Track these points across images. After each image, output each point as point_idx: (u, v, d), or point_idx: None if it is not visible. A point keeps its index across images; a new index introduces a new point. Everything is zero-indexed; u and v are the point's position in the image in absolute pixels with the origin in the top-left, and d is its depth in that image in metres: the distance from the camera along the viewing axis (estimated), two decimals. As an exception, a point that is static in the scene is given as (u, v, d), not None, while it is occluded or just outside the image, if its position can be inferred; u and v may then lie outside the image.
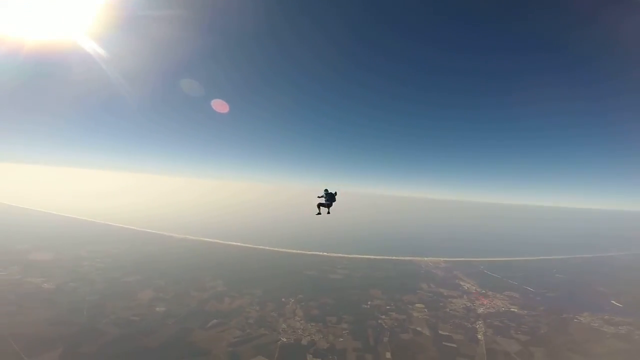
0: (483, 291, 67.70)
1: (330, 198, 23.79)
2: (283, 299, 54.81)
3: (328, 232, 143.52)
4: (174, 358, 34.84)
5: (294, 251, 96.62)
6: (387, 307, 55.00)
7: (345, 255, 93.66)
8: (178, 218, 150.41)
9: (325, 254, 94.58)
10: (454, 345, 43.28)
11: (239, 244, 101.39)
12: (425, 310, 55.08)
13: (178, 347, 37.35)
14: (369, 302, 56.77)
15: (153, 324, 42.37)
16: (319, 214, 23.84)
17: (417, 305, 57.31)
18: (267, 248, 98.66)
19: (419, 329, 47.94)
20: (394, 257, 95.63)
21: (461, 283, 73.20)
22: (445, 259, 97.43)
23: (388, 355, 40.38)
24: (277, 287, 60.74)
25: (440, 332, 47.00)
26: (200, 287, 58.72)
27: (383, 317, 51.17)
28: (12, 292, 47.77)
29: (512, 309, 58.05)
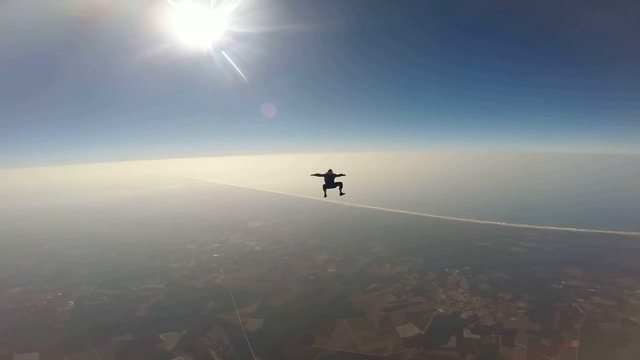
0: None
1: (329, 179, 21.93)
2: (446, 269, 52.02)
3: (507, 199, 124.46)
4: (335, 315, 39.37)
5: (463, 219, 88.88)
6: (590, 290, 42.91)
7: (533, 226, 78.63)
8: (348, 188, 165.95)
9: (504, 223, 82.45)
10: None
11: (403, 211, 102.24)
12: (652, 297, 40.26)
13: (339, 306, 42.08)
14: (562, 282, 45.91)
15: (324, 283, 49.28)
16: (325, 196, 22.86)
17: (638, 291, 42.71)
18: (432, 216, 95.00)
19: (632, 318, 35.75)
20: (602, 231, 73.21)
21: None
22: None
23: (574, 343, 32.23)
24: (441, 257, 58.15)
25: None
26: (364, 252, 63.19)
27: (580, 300, 40.45)
28: (237, 253, 65.87)
29: None
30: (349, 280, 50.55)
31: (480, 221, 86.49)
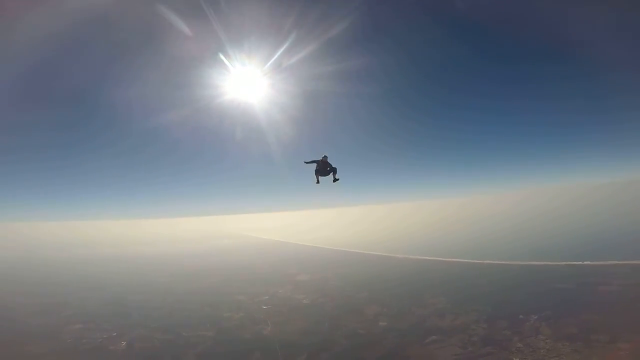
0: None
1: (324, 165, 19.81)
2: (521, 316, 45.02)
3: (583, 236, 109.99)
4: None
5: (536, 263, 78.76)
6: None
7: (622, 262, 67.75)
8: (398, 239, 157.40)
9: (587, 262, 71.95)
10: None
11: (463, 260, 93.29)
12: None
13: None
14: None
15: (375, 337, 45.06)
16: (318, 182, 20.48)
17: None
18: (496, 262, 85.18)
19: None
20: None
21: None
22: None
23: None
24: (513, 303, 51.26)
25: None
26: (420, 303, 57.67)
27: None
28: (285, 305, 63.83)
29: None
30: (404, 333, 45.74)
31: (556, 263, 75.58)
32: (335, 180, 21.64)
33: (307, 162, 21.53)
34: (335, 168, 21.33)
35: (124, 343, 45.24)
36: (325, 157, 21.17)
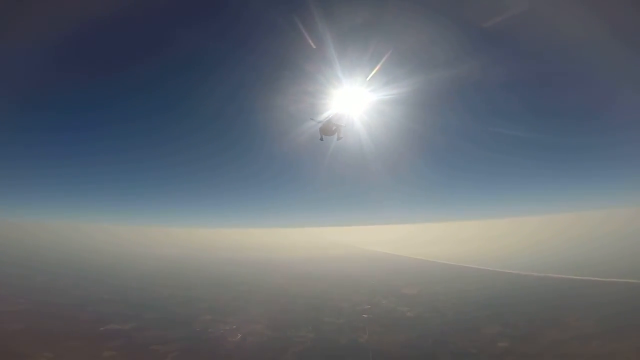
0: None
1: (328, 123, 18.31)
2: None
3: None
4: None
5: None
6: None
7: None
8: (522, 256, 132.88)
9: None
10: None
11: (626, 280, 71.40)
12: None
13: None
14: None
15: (490, 358, 38.97)
16: (322, 139, 19.17)
17: None
18: None
19: None
20: None
21: None
22: None
23: None
24: None
25: None
26: (560, 326, 46.94)
27: None
28: (386, 317, 61.32)
29: None
30: (529, 357, 38.14)
31: None
32: (338, 139, 20.45)
33: (314, 120, 20.76)
34: (341, 126, 19.97)
35: (239, 336, 51.30)
36: (331, 117, 20.31)
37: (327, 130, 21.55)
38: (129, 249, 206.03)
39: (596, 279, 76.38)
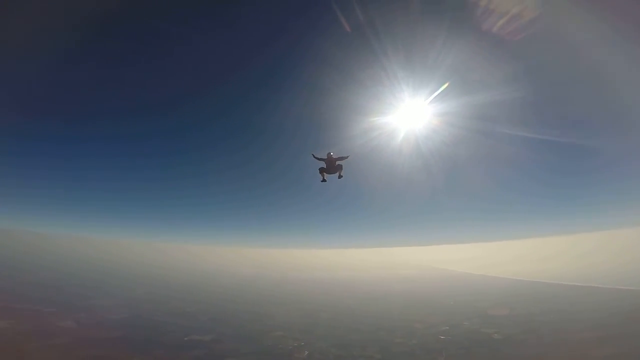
0: None
1: (329, 163, 18.75)
2: None
3: None
4: None
5: None
6: None
7: None
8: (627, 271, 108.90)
9: None
10: None
11: None
12: None
13: None
14: None
15: None
16: (324, 180, 19.51)
17: None
18: None
19: None
20: None
21: None
22: None
23: None
24: None
25: None
26: None
27: None
28: (468, 338, 54.50)
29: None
30: None
31: None
32: (339, 177, 19.34)
33: (315, 157, 19.69)
34: (342, 165, 18.95)
35: (306, 352, 50.50)
36: (330, 154, 19.83)
37: (329, 169, 20.92)
38: (209, 268, 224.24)
39: None
